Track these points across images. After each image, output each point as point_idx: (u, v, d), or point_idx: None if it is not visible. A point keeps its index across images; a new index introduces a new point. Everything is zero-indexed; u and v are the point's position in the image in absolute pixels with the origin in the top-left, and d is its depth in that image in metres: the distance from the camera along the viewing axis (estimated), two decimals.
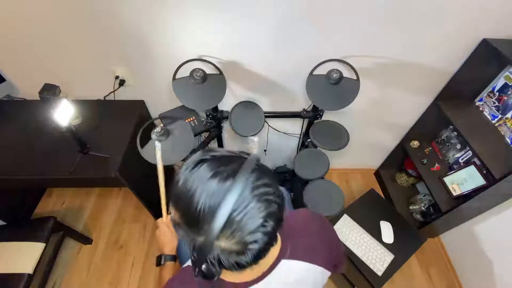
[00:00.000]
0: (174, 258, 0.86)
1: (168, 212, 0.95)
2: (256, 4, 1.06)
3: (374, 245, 1.34)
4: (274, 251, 0.54)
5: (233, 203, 0.36)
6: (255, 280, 0.52)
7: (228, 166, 0.40)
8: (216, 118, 1.41)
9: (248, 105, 1.38)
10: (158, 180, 0.92)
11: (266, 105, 1.47)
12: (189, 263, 0.61)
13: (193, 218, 0.39)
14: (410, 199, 1.87)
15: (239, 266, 0.42)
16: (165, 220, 0.92)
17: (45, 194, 1.95)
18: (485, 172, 1.34)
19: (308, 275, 0.59)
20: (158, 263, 0.85)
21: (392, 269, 1.27)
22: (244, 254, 0.40)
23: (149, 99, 1.51)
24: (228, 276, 0.53)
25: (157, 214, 1.56)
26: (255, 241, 0.39)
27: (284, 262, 0.55)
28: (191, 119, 1.37)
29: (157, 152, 0.93)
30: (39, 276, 1.37)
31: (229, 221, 0.37)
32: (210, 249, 0.37)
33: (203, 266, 0.41)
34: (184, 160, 1.22)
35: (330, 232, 0.68)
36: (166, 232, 0.89)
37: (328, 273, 0.64)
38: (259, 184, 0.40)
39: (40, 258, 1.33)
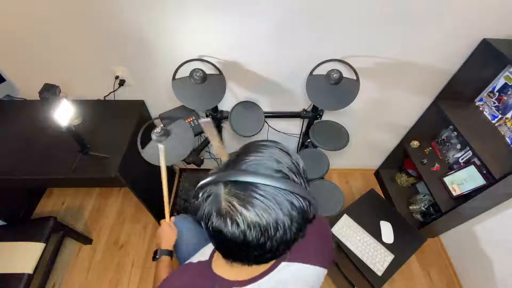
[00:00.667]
0: (170, 253, 0.88)
1: (170, 214, 0.96)
2: (256, 4, 1.06)
3: (374, 245, 1.34)
4: None
5: (264, 183, 0.37)
6: (253, 279, 0.52)
7: (293, 175, 0.42)
8: (216, 118, 1.41)
9: (248, 105, 1.38)
10: (162, 181, 0.92)
11: (266, 105, 1.47)
12: (190, 260, 0.62)
13: (237, 158, 0.42)
14: (410, 199, 1.87)
15: (206, 221, 0.40)
16: (167, 220, 0.94)
17: (45, 194, 1.95)
18: (485, 172, 1.34)
19: (307, 276, 0.59)
20: (154, 258, 0.87)
21: (392, 269, 1.27)
22: (218, 218, 0.39)
23: (149, 99, 1.51)
24: (225, 273, 0.53)
25: (157, 214, 1.57)
26: (232, 222, 0.38)
27: (284, 264, 0.55)
28: (191, 119, 1.37)
29: (160, 155, 0.93)
30: (39, 276, 1.37)
31: (246, 187, 0.38)
32: (216, 182, 0.39)
33: (199, 192, 0.42)
34: (184, 160, 1.22)
35: (326, 231, 0.69)
36: (167, 230, 0.92)
37: (325, 271, 0.64)
38: (289, 208, 0.39)
39: (40, 258, 1.33)
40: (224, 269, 0.53)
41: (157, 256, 0.86)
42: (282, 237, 0.39)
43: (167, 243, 0.89)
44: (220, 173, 0.40)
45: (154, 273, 1.57)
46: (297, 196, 0.39)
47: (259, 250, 0.40)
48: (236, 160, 0.42)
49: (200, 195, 0.42)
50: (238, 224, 0.37)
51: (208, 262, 0.57)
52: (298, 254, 0.57)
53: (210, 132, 0.97)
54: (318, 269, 0.61)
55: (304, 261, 0.58)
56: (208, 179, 0.41)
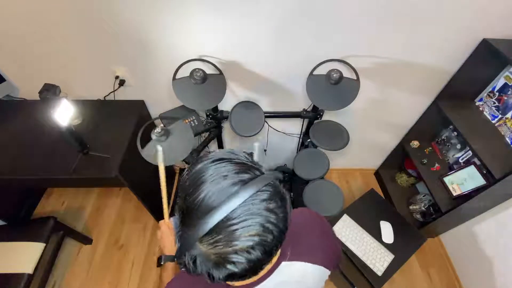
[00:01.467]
0: (174, 258, 0.86)
1: (169, 214, 0.96)
2: (256, 4, 1.06)
3: (374, 245, 1.34)
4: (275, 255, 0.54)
5: (231, 210, 0.35)
6: (254, 283, 0.51)
7: (242, 174, 0.39)
8: (216, 118, 1.41)
9: (248, 105, 1.38)
10: (160, 182, 0.92)
11: (266, 105, 1.47)
12: None
13: (190, 208, 0.38)
14: (410, 199, 1.87)
15: (211, 278, 0.39)
16: (167, 221, 0.93)
17: (45, 194, 1.94)
18: (485, 172, 1.34)
19: (308, 275, 0.59)
20: (159, 264, 0.85)
21: (392, 269, 1.27)
22: (219, 269, 0.37)
23: (149, 99, 1.51)
24: None
25: (157, 214, 1.57)
26: (234, 263, 0.36)
27: (284, 264, 0.54)
28: (191, 119, 1.37)
29: (159, 156, 0.93)
30: (39, 276, 1.37)
31: (218, 228, 0.35)
32: (190, 246, 0.37)
33: (182, 259, 0.40)
34: (184, 160, 1.22)
35: (328, 230, 0.69)
36: (167, 233, 0.89)
37: (328, 272, 0.64)
38: (263, 206, 0.37)
39: (40, 258, 1.33)
40: None
41: (162, 263, 0.85)
42: (278, 230, 0.39)
43: (170, 248, 0.87)
44: (189, 233, 0.37)
45: (156, 276, 1.59)
46: (261, 190, 0.38)
47: (269, 254, 0.39)
48: (189, 209, 0.39)
49: (186, 261, 0.39)
50: (239, 261, 0.36)
51: None
52: (299, 254, 0.57)
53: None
54: (319, 268, 0.60)
55: (305, 260, 0.58)
56: (180, 246, 0.39)
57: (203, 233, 0.35)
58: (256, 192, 0.37)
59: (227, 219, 0.35)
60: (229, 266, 0.37)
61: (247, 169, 0.40)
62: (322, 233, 0.65)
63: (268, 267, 0.52)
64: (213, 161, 0.41)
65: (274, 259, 0.53)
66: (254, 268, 0.39)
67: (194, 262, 0.38)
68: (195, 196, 0.38)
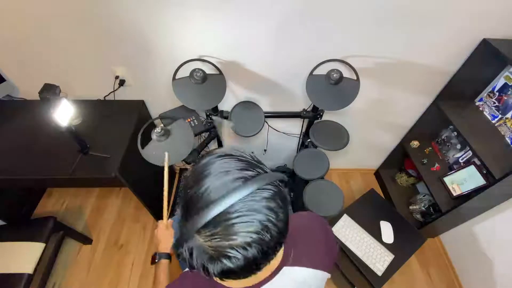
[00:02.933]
0: (168, 256, 0.87)
1: (168, 215, 0.96)
2: (256, 4, 1.06)
3: (374, 245, 1.34)
4: (276, 259, 0.53)
5: (230, 204, 0.35)
6: (255, 286, 0.51)
7: (246, 171, 0.39)
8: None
9: (248, 105, 1.38)
10: (164, 186, 0.92)
11: (266, 105, 1.47)
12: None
13: (191, 200, 0.38)
14: (410, 199, 1.87)
15: (206, 272, 0.39)
16: (165, 221, 0.93)
17: (45, 194, 1.94)
18: (485, 172, 1.34)
19: (310, 280, 0.59)
20: (153, 261, 0.86)
21: (392, 269, 1.27)
22: (214, 263, 0.37)
23: (149, 99, 1.51)
24: (228, 281, 0.52)
25: (157, 214, 1.57)
26: (229, 258, 0.36)
27: (286, 269, 0.54)
28: (191, 119, 1.37)
29: (165, 162, 0.93)
30: (39, 276, 1.37)
31: (216, 221, 0.35)
32: (188, 237, 0.37)
33: (180, 250, 0.40)
34: (184, 160, 1.22)
35: (329, 234, 0.68)
36: (164, 232, 0.91)
37: (328, 275, 0.64)
38: (263, 205, 0.37)
39: (40, 258, 1.33)
40: None
41: (156, 260, 0.85)
42: (278, 230, 0.38)
43: (165, 246, 0.88)
44: (186, 225, 0.37)
45: (153, 275, 1.59)
46: (263, 187, 0.38)
47: (266, 255, 0.39)
48: (190, 200, 0.39)
49: (183, 252, 0.39)
50: (235, 256, 0.36)
51: None
52: (301, 259, 0.56)
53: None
54: (320, 273, 0.60)
55: (307, 265, 0.58)
56: (179, 238, 0.39)
57: (201, 225, 0.35)
58: (257, 189, 0.37)
59: (226, 213, 0.35)
60: (225, 261, 0.36)
61: (251, 166, 0.40)
62: (323, 237, 0.65)
63: (268, 269, 0.52)
64: (218, 157, 0.41)
65: (275, 263, 0.53)
66: (249, 266, 0.38)
67: (191, 254, 0.38)
68: (197, 189, 0.38)
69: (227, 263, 0.37)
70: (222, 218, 0.35)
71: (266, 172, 0.41)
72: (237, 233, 0.35)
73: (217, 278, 0.40)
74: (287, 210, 0.41)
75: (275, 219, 0.38)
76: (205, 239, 0.37)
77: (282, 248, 0.53)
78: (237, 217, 0.35)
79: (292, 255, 0.55)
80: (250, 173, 0.39)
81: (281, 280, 0.53)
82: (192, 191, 0.39)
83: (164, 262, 0.85)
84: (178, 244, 0.39)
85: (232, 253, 0.36)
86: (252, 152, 0.44)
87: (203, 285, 0.54)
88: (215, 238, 0.36)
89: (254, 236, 0.36)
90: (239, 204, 0.36)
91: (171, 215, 1.01)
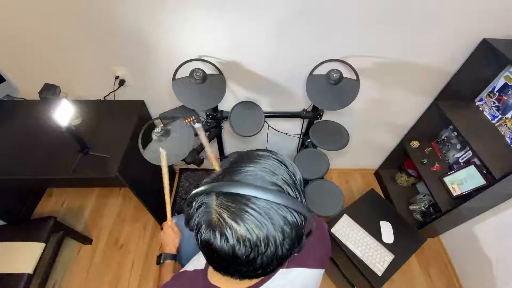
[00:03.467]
0: (174, 257, 0.88)
1: (172, 215, 0.97)
2: (256, 4, 1.06)
3: (374, 245, 1.34)
4: None
5: (258, 196, 0.36)
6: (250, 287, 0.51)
7: (289, 187, 0.40)
8: (216, 118, 1.41)
9: (248, 105, 1.38)
10: (164, 185, 0.92)
11: (266, 105, 1.47)
12: (185, 268, 0.61)
13: (231, 167, 0.41)
14: (410, 199, 1.87)
15: (197, 232, 0.39)
16: (169, 223, 0.94)
17: (45, 194, 1.94)
18: (485, 172, 1.34)
19: (305, 280, 0.58)
20: (158, 262, 0.87)
21: (392, 269, 1.27)
22: (208, 230, 0.38)
23: (149, 99, 1.51)
24: (222, 283, 0.51)
25: (157, 214, 1.57)
26: (221, 235, 0.36)
27: (281, 271, 0.54)
28: (191, 119, 1.37)
29: (162, 159, 0.93)
30: (39, 276, 1.37)
31: (239, 198, 0.36)
32: (208, 192, 0.38)
33: (193, 202, 0.41)
34: (184, 160, 1.22)
35: (325, 232, 0.69)
36: (169, 233, 0.91)
37: (322, 271, 0.64)
38: (281, 224, 0.37)
39: (40, 258, 1.33)
40: (221, 279, 0.51)
41: (161, 261, 0.86)
42: (273, 254, 0.38)
43: (171, 247, 0.89)
44: (214, 183, 0.39)
45: (156, 275, 1.59)
46: (291, 210, 0.38)
47: (248, 266, 0.39)
48: (230, 170, 0.41)
49: (193, 204, 0.40)
50: (227, 238, 0.36)
51: (204, 271, 0.55)
52: (297, 259, 0.56)
53: (203, 139, 0.96)
54: (316, 271, 0.60)
55: (302, 265, 0.57)
56: (201, 188, 0.40)
57: (225, 190, 0.37)
58: (284, 206, 0.37)
59: (249, 200, 0.36)
60: (217, 234, 0.37)
61: (294, 186, 0.41)
62: (320, 236, 0.65)
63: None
64: (276, 158, 0.43)
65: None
66: (228, 261, 0.38)
67: (198, 207, 0.39)
68: (244, 165, 0.40)
69: (217, 240, 0.37)
70: (245, 201, 0.36)
71: (303, 202, 0.42)
72: (244, 222, 0.36)
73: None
74: (294, 248, 0.40)
75: (280, 242, 0.38)
76: (218, 205, 0.37)
77: None
78: (254, 209, 0.36)
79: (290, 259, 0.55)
80: (290, 190, 0.40)
81: (276, 282, 0.53)
82: (239, 164, 0.41)
83: (169, 263, 0.85)
84: (195, 194, 0.40)
85: (227, 234, 0.36)
86: (300, 178, 0.45)
87: (196, 286, 0.54)
88: (226, 211, 0.37)
89: (254, 237, 0.36)
90: (264, 203, 0.37)
91: (171, 214, 1.01)
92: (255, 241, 0.36)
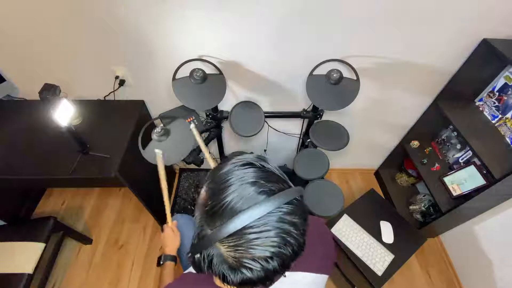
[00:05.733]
0: (174, 258, 0.88)
1: (171, 215, 0.97)
2: (256, 4, 1.06)
3: (374, 245, 1.34)
4: None
5: (254, 218, 0.35)
6: None
7: (271, 184, 0.39)
8: (216, 118, 1.41)
9: (248, 105, 1.38)
10: (161, 186, 0.92)
11: (266, 105, 1.47)
12: (190, 269, 0.61)
13: (213, 208, 0.39)
14: (410, 199, 1.87)
15: (224, 280, 0.40)
16: (170, 224, 0.94)
17: (45, 194, 1.94)
18: (485, 172, 1.34)
19: (311, 286, 0.58)
20: (158, 263, 0.87)
21: (392, 269, 1.27)
22: (234, 273, 0.38)
23: (149, 99, 1.51)
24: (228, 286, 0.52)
25: (157, 214, 1.57)
26: (250, 269, 0.37)
27: (287, 274, 0.54)
28: (191, 119, 1.37)
29: (158, 160, 0.93)
30: (39, 276, 1.37)
31: (240, 233, 0.36)
32: (209, 245, 0.37)
33: (197, 256, 0.40)
34: (184, 160, 1.22)
35: (328, 236, 0.68)
36: (170, 235, 0.92)
37: (326, 277, 0.64)
38: (288, 220, 0.38)
39: (40, 258, 1.33)
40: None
41: (161, 262, 0.86)
42: (296, 245, 0.39)
43: (171, 248, 0.89)
44: (207, 233, 0.38)
45: (156, 275, 1.59)
46: (288, 202, 0.38)
47: (284, 269, 0.40)
48: (213, 209, 0.39)
49: (201, 258, 0.40)
50: (255, 269, 0.37)
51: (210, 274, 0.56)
52: (302, 263, 0.56)
53: (198, 139, 0.95)
54: (321, 277, 0.60)
55: (307, 269, 0.57)
56: (197, 243, 0.39)
57: (225, 235, 0.35)
58: (281, 205, 0.37)
59: (251, 226, 0.36)
60: (245, 271, 0.37)
61: (276, 180, 0.41)
62: (323, 240, 0.65)
63: None
64: (242, 165, 0.41)
65: None
66: (268, 277, 0.39)
67: (211, 261, 0.39)
68: (222, 198, 0.38)
69: (248, 274, 0.37)
70: (247, 231, 0.36)
71: (290, 186, 0.42)
72: (260, 246, 0.36)
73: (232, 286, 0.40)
74: (307, 224, 0.41)
75: (297, 234, 0.38)
76: (227, 249, 0.37)
77: None
78: (262, 231, 0.36)
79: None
80: (275, 186, 0.39)
81: (281, 285, 0.53)
82: (217, 200, 0.39)
83: (170, 264, 0.86)
84: (196, 250, 0.40)
85: (253, 265, 0.36)
86: (271, 164, 0.44)
87: (203, 284, 0.54)
88: (238, 249, 0.36)
89: (276, 250, 0.37)
90: (265, 218, 0.36)
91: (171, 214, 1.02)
92: (279, 252, 0.37)
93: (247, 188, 0.38)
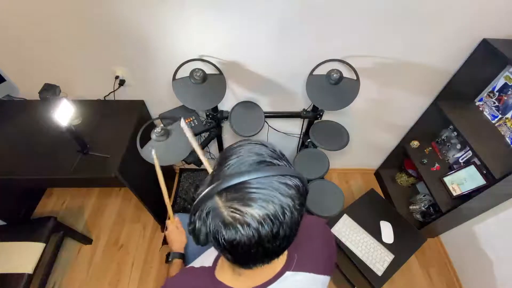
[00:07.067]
0: (181, 255, 0.89)
1: (174, 214, 0.97)
2: (256, 4, 1.06)
3: (374, 245, 1.34)
4: (279, 261, 0.53)
5: (256, 177, 0.37)
6: (259, 287, 0.51)
7: (277, 160, 0.42)
8: (216, 118, 1.41)
9: (248, 105, 1.38)
10: (160, 186, 0.92)
11: (266, 105, 1.47)
12: (192, 264, 0.61)
13: (220, 167, 0.42)
14: (410, 199, 1.87)
15: (217, 241, 0.39)
16: (173, 220, 0.94)
17: (45, 194, 1.94)
18: (485, 172, 1.34)
19: (312, 285, 0.59)
20: (167, 260, 0.88)
21: (392, 269, 1.27)
22: (227, 228, 0.38)
23: (149, 99, 1.51)
24: (230, 281, 0.52)
25: (157, 214, 1.57)
26: (243, 225, 0.37)
27: (288, 274, 0.54)
28: (191, 119, 1.37)
29: (154, 160, 0.93)
30: (39, 276, 1.37)
31: (238, 187, 0.37)
32: (210, 197, 0.39)
33: (196, 214, 0.41)
34: (184, 160, 1.22)
35: (330, 238, 0.68)
36: (175, 232, 0.92)
37: (329, 278, 0.64)
38: (286, 190, 0.39)
39: (40, 258, 1.33)
40: (229, 277, 0.53)
41: (170, 259, 0.87)
42: (291, 219, 0.39)
43: (178, 246, 0.89)
44: (209, 187, 0.39)
45: (156, 275, 1.59)
46: (287, 176, 0.40)
47: (275, 240, 0.40)
48: (219, 169, 0.42)
49: (198, 216, 0.40)
50: (249, 224, 0.37)
51: (212, 269, 0.56)
52: (304, 263, 0.56)
53: (190, 138, 0.93)
54: (323, 278, 0.60)
55: (309, 270, 0.57)
56: (200, 196, 0.40)
57: (224, 186, 0.37)
58: (281, 175, 0.39)
59: (249, 183, 0.38)
60: (238, 227, 0.37)
61: (280, 158, 0.43)
62: (325, 241, 0.65)
63: (271, 270, 0.52)
64: (253, 142, 0.44)
65: (278, 266, 0.53)
66: (259, 244, 0.38)
67: (207, 215, 0.40)
68: (228, 159, 0.41)
69: (241, 230, 0.37)
70: (245, 185, 0.37)
71: (292, 168, 0.43)
72: (255, 201, 0.37)
73: (224, 264, 0.42)
74: (303, 205, 0.42)
75: (293, 206, 0.39)
76: (225, 201, 0.38)
77: (286, 251, 0.53)
78: (258, 188, 0.37)
79: (296, 259, 0.55)
80: (278, 162, 0.42)
81: (283, 285, 0.53)
82: (224, 162, 0.42)
83: (178, 261, 0.87)
84: (197, 204, 0.41)
85: (247, 220, 0.37)
86: (280, 151, 0.47)
87: (203, 282, 0.55)
88: (235, 201, 0.37)
89: (271, 210, 0.37)
90: (263, 180, 0.38)
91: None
92: (273, 214, 0.38)
93: (253, 156, 0.41)
